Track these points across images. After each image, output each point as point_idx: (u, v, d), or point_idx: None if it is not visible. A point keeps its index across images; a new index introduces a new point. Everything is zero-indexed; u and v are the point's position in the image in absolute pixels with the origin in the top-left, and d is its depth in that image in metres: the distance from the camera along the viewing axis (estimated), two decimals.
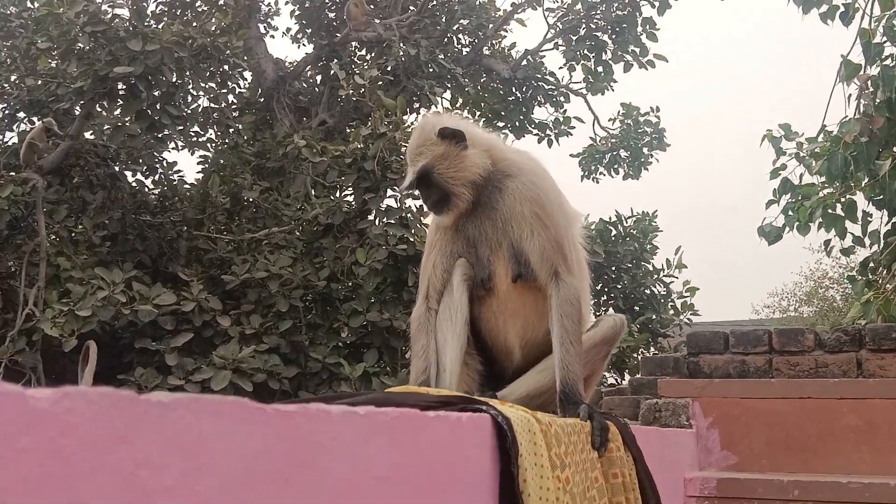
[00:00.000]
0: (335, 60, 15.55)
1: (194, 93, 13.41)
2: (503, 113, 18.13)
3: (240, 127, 14.41)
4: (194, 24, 13.06)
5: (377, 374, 10.14)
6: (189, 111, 13.03)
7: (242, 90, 15.45)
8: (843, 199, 9.00)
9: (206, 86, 13.69)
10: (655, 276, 14.91)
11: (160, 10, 14.70)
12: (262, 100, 15.46)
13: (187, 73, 12.04)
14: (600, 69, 17.46)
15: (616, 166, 18.37)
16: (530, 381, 3.41)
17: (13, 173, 11.14)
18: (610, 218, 15.08)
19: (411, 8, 16.34)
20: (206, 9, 14.89)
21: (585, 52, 17.38)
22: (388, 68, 14.42)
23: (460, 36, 17.48)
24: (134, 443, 0.97)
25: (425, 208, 3.65)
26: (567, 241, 3.39)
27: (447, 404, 2.11)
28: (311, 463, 1.30)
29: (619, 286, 14.81)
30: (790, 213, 9.51)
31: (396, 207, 11.07)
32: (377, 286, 10.66)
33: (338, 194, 12.25)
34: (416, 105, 15.09)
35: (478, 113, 18.10)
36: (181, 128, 12.84)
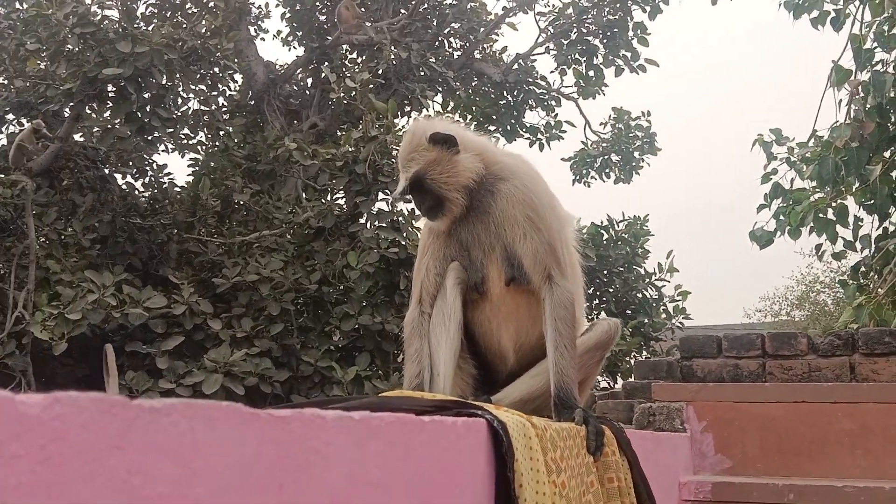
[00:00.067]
0: (326, 63, 15.54)
1: (184, 95, 13.38)
2: (494, 117, 18.14)
3: (230, 129, 14.39)
4: (184, 25, 13.02)
5: (369, 377, 10.12)
6: (179, 113, 12.99)
7: (233, 93, 15.43)
8: (834, 204, 9.00)
9: (197, 88, 13.66)
10: (647, 279, 14.92)
11: (150, 12, 14.66)
12: (252, 102, 15.44)
13: (177, 76, 12.01)
14: (591, 73, 17.48)
15: (607, 170, 18.39)
16: (524, 385, 3.38)
17: (2, 175, 11.09)
18: (602, 222, 15.11)
19: (402, 11, 16.33)
20: (196, 11, 14.84)
21: (577, 56, 17.39)
22: (380, 71, 14.42)
23: (451, 39, 17.48)
24: (126, 449, 0.94)
25: (419, 213, 3.62)
26: (560, 244, 3.37)
27: (442, 409, 2.09)
28: (305, 469, 1.28)
29: (611, 290, 14.82)
30: (781, 217, 9.52)
31: (388, 211, 11.05)
32: (369, 289, 10.64)
33: (329, 197, 12.23)
34: (408, 108, 15.10)
35: (469, 117, 18.11)
36: (171, 130, 12.79)
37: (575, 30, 17.20)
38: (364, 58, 15.80)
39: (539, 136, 18.31)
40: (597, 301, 14.90)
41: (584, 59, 17.38)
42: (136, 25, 11.80)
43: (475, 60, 17.52)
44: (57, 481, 0.86)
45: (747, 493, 4.85)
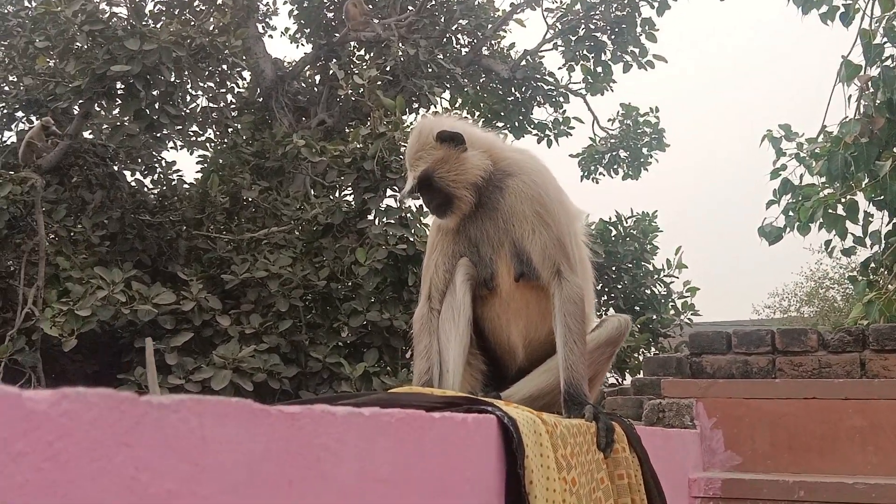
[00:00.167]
0: (334, 60, 15.53)
1: (193, 92, 13.40)
2: (502, 113, 18.10)
3: (239, 127, 14.38)
4: (193, 23, 13.04)
5: (377, 373, 10.11)
6: (188, 111, 13.00)
7: (241, 90, 15.44)
8: (843, 200, 8.97)
9: (205, 85, 13.68)
10: (656, 276, 14.88)
11: (158, 10, 14.66)
12: (260, 99, 15.43)
13: (186, 73, 12.01)
14: (599, 69, 17.42)
15: (615, 167, 18.35)
16: (534, 381, 3.37)
17: (12, 172, 11.10)
18: (610, 218, 15.06)
19: (410, 8, 16.30)
20: (204, 8, 14.86)
21: (585, 52, 17.34)
22: (387, 68, 14.39)
23: (459, 36, 17.44)
24: (134, 446, 0.93)
25: (427, 210, 3.61)
26: (569, 239, 3.36)
27: (452, 405, 2.08)
28: (315, 465, 1.27)
29: (620, 286, 14.79)
30: (790, 213, 9.50)
31: (396, 207, 11.03)
32: (377, 286, 10.62)
33: (337, 194, 12.21)
34: (416, 105, 15.07)
35: (477, 113, 18.07)
36: (180, 127, 12.81)
37: (583, 26, 17.16)
38: (372, 55, 15.78)
39: (547, 132, 18.27)
40: (605, 297, 14.87)
41: (592, 55, 17.33)
42: (144, 23, 11.79)
43: (483, 57, 17.49)
44: (64, 479, 0.85)
45: (757, 490, 4.84)
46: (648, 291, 14.83)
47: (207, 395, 1.06)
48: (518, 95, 17.89)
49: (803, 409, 5.34)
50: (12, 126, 13.27)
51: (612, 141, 18.25)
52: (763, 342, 5.70)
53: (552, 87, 17.83)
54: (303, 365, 10.54)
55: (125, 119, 12.05)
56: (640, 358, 13.44)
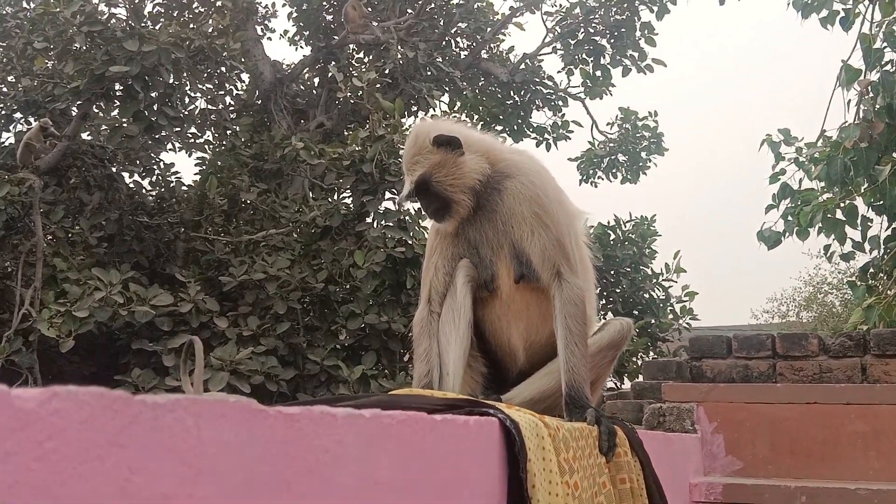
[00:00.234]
0: (333, 63, 15.51)
1: (192, 94, 13.37)
2: (501, 117, 18.08)
3: (237, 129, 14.35)
4: (192, 25, 13.01)
5: (375, 376, 10.08)
6: (186, 112, 12.97)
7: (240, 92, 15.42)
8: (843, 205, 8.96)
9: (204, 87, 13.66)
10: (654, 280, 14.85)
11: (157, 11, 14.63)
12: (259, 102, 15.42)
13: (184, 75, 11.98)
14: (599, 73, 17.41)
15: (614, 170, 18.33)
16: (535, 384, 3.34)
17: (10, 173, 11.07)
18: (609, 222, 15.04)
19: (409, 11, 16.29)
20: (203, 10, 14.83)
21: (584, 56, 17.32)
22: (386, 71, 14.38)
23: (458, 39, 17.42)
24: (128, 447, 0.90)
25: (426, 215, 3.59)
26: (569, 240, 3.33)
27: (453, 407, 2.05)
28: (314, 467, 1.24)
29: (618, 290, 14.76)
30: (789, 217, 9.47)
31: (395, 210, 11.00)
32: (375, 289, 10.60)
33: (336, 196, 12.20)
34: (415, 108, 15.05)
35: (476, 116, 18.04)
36: (178, 129, 12.77)
37: (582, 30, 17.15)
38: (371, 57, 15.75)
39: (546, 136, 18.25)
40: (604, 301, 14.85)
41: (592, 59, 17.32)
42: (143, 24, 11.77)
43: (482, 60, 17.47)
44: (54, 480, 0.82)
45: (758, 495, 4.81)
46: (647, 295, 14.80)
47: None
48: (517, 99, 17.88)
49: (804, 414, 5.32)
50: (10, 127, 13.25)
51: (611, 145, 18.24)
52: (764, 346, 5.68)
53: (551, 91, 17.81)
54: (300, 367, 10.51)
55: (124, 120, 12.02)
56: (639, 362, 13.42)
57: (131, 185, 13.12)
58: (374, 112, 11.47)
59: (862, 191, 8.93)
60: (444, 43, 16.77)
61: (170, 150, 14.09)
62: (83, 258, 11.41)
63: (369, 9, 15.99)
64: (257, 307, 10.89)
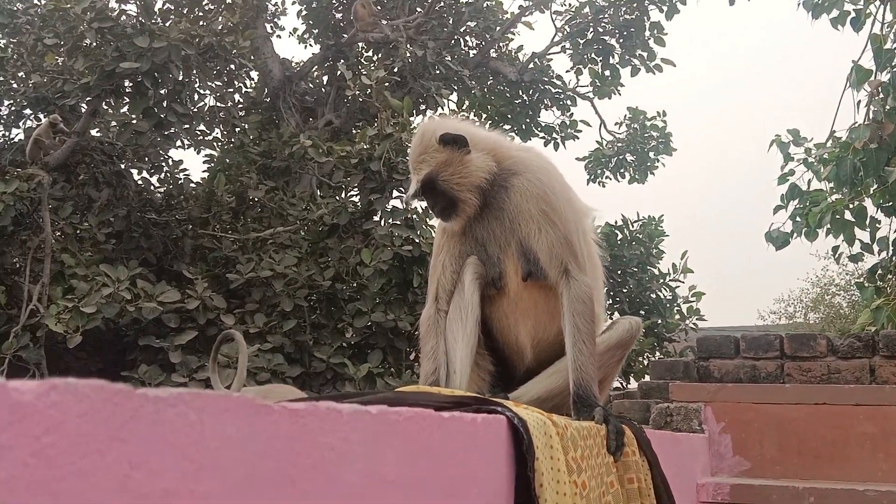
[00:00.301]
0: (342, 61, 15.49)
1: (201, 91, 13.37)
2: (510, 116, 18.05)
3: (246, 126, 14.35)
4: (201, 22, 13.02)
5: (381, 374, 10.07)
6: (195, 110, 12.97)
7: (249, 90, 15.43)
8: (852, 206, 8.92)
9: (213, 84, 13.66)
10: (661, 280, 14.83)
11: (167, 8, 14.63)
12: (268, 99, 15.41)
13: (194, 72, 11.98)
14: (607, 73, 17.37)
15: (622, 170, 18.31)
16: (543, 383, 3.32)
17: (19, 169, 11.09)
18: (616, 222, 15.02)
19: (418, 9, 16.26)
20: (213, 7, 14.84)
21: (593, 55, 17.27)
22: (395, 69, 14.36)
23: (467, 38, 17.40)
24: (128, 441, 0.88)
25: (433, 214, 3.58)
26: (577, 238, 3.31)
27: (461, 405, 2.04)
28: (319, 465, 1.22)
29: (625, 290, 14.74)
30: (798, 218, 9.45)
31: (402, 208, 10.99)
32: (382, 287, 10.59)
33: (343, 194, 12.18)
34: (423, 107, 15.03)
35: (484, 115, 18.02)
36: (187, 126, 12.77)
37: (591, 29, 17.10)
38: (380, 55, 15.75)
39: (554, 135, 18.22)
40: (610, 301, 14.82)
41: (601, 58, 17.27)
42: (153, 21, 11.76)
43: (491, 59, 17.44)
44: (52, 475, 0.80)
45: (766, 496, 4.78)
46: (654, 296, 14.78)
47: None
48: (525, 98, 17.84)
49: (813, 415, 5.29)
50: (20, 123, 13.27)
51: (619, 145, 18.21)
52: (772, 347, 5.66)
53: (560, 90, 17.78)
54: (307, 365, 10.50)
55: (133, 117, 12.02)
56: (645, 362, 13.40)
57: (140, 182, 13.13)
58: (383, 110, 11.46)
59: (871, 192, 8.90)
60: (453, 41, 16.74)
61: (178, 147, 14.10)
62: (91, 254, 11.43)
63: (378, 7, 15.96)
64: (264, 304, 10.89)
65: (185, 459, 0.96)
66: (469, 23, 16.91)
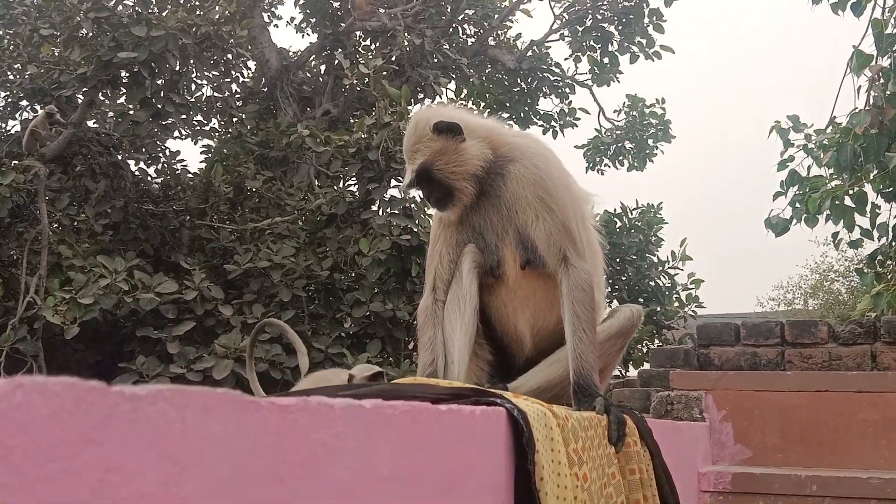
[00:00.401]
0: (339, 50, 15.43)
1: (198, 81, 13.33)
2: (508, 104, 18.03)
3: (243, 116, 14.31)
4: (198, 11, 12.94)
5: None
6: (192, 100, 12.93)
7: (246, 79, 15.38)
8: (852, 191, 8.89)
9: (210, 74, 13.61)
10: (660, 267, 14.82)
11: None
12: (265, 89, 15.36)
13: (191, 62, 11.94)
14: (606, 60, 17.36)
15: (621, 158, 18.32)
16: (543, 372, 3.28)
17: (15, 161, 11.05)
18: (615, 210, 15.01)
19: None
20: None
21: (591, 43, 17.26)
22: (393, 58, 14.32)
23: (465, 26, 17.37)
24: (103, 443, 0.83)
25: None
26: (575, 224, 3.26)
27: (459, 397, 1.99)
28: (310, 462, 1.17)
29: (624, 278, 14.73)
30: (798, 205, 9.41)
31: (400, 198, 10.96)
32: (380, 276, 10.57)
33: (341, 184, 12.15)
34: (421, 95, 14.99)
35: (483, 104, 17.99)
36: (185, 116, 12.72)
37: (590, 16, 17.07)
38: (377, 44, 15.69)
39: (553, 123, 18.21)
40: (609, 289, 14.80)
41: (599, 45, 17.26)
42: (150, 10, 11.71)
43: (489, 47, 17.40)
44: (18, 482, 0.75)
45: (768, 485, 4.75)
46: (653, 283, 14.78)
47: (209, 384, 0.97)
48: (524, 86, 17.82)
49: (814, 402, 5.26)
50: (16, 115, 13.23)
51: (618, 132, 18.21)
52: (772, 334, 5.62)
53: (558, 78, 17.76)
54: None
55: (130, 107, 11.98)
56: (644, 349, 13.39)
57: (137, 173, 13.09)
58: (381, 99, 11.42)
59: (871, 178, 8.86)
60: (451, 30, 16.70)
61: (175, 137, 14.04)
62: (88, 246, 11.39)
63: None
64: (262, 295, 10.87)
65: (166, 460, 0.91)
66: (467, 11, 16.86)
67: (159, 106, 11.56)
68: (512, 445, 1.98)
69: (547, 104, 18.25)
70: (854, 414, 5.16)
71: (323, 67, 16.38)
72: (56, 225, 11.50)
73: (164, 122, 12.29)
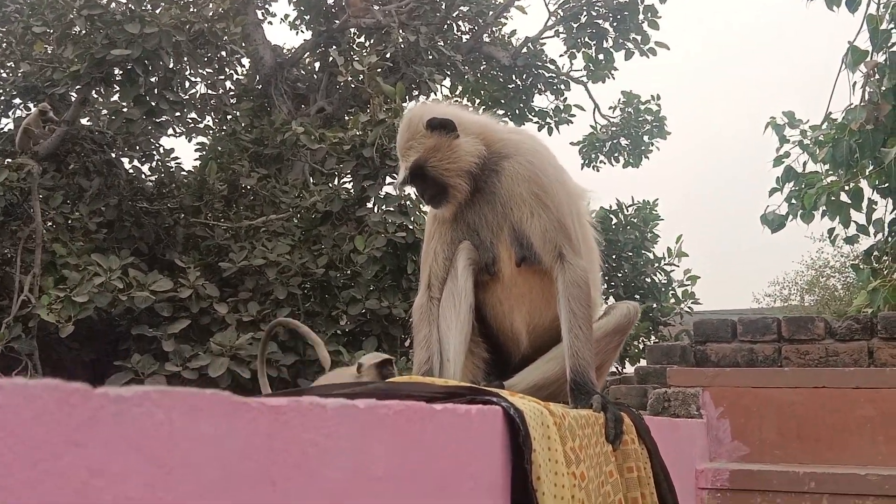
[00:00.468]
0: (334, 47, 15.40)
1: (192, 79, 13.30)
2: (503, 101, 18.01)
3: (237, 114, 14.29)
4: (192, 8, 12.90)
5: None
6: (186, 97, 12.90)
7: (240, 77, 15.34)
8: (847, 187, 8.89)
9: (204, 72, 13.57)
10: (656, 264, 14.82)
11: None
12: (259, 86, 15.33)
13: (185, 59, 11.91)
14: (601, 57, 17.34)
15: (616, 154, 18.31)
16: (539, 370, 3.26)
17: (9, 159, 11.04)
18: (610, 206, 14.98)
19: None
20: None
21: (586, 39, 17.25)
22: (388, 55, 14.29)
23: (460, 23, 17.34)
24: (87, 445, 0.81)
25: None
26: (571, 220, 3.24)
27: (454, 395, 1.97)
28: (302, 464, 1.15)
29: (620, 275, 14.72)
30: (793, 201, 9.42)
31: (395, 195, 10.94)
32: (376, 274, 10.55)
33: (336, 181, 12.12)
34: (416, 92, 14.96)
35: (477, 101, 17.98)
36: (179, 114, 12.69)
37: (585, 13, 17.06)
38: (372, 41, 15.66)
39: (548, 120, 18.20)
40: (605, 286, 14.78)
41: (594, 42, 17.24)
42: (143, 7, 11.68)
43: (484, 44, 17.38)
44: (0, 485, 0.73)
45: (766, 481, 4.73)
46: (649, 280, 14.77)
47: (204, 382, 0.95)
48: (519, 83, 17.80)
49: (812, 399, 5.24)
50: (9, 113, 13.19)
51: (613, 129, 18.20)
52: (769, 330, 5.61)
53: (553, 75, 17.74)
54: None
55: (124, 105, 11.95)
56: (641, 346, 13.38)
57: (131, 171, 13.06)
58: (375, 96, 11.40)
59: (867, 173, 8.86)
60: (445, 27, 16.67)
61: (170, 135, 14.02)
62: (82, 244, 11.36)
63: None
64: (257, 293, 10.85)
65: (153, 462, 0.89)
66: (462, 7, 16.84)
67: (153, 103, 11.53)
68: (508, 444, 1.95)
69: (542, 101, 18.27)
70: (851, 410, 5.15)
71: (317, 64, 16.35)
72: (50, 223, 11.48)
73: (157, 120, 12.25)
